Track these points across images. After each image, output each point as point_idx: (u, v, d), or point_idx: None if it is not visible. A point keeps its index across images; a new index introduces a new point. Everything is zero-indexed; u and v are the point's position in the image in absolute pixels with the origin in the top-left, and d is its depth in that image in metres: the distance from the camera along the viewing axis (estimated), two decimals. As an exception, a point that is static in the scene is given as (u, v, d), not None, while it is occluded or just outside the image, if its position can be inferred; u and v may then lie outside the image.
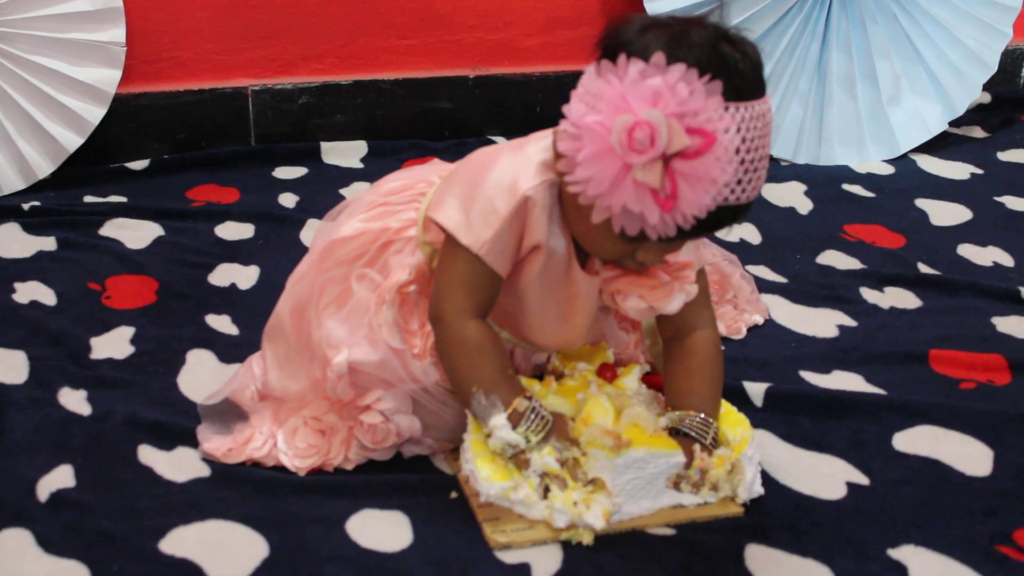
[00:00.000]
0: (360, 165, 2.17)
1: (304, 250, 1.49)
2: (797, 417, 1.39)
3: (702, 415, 1.24)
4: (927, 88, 2.28)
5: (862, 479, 1.29)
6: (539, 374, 1.34)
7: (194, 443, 1.29)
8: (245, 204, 1.97)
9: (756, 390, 1.41)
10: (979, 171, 2.24)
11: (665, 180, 1.02)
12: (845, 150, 2.26)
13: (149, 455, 1.28)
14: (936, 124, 2.29)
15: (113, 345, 1.50)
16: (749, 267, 1.74)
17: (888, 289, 1.74)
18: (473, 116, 2.29)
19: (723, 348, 1.34)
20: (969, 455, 1.33)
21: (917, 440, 1.36)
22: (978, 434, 1.36)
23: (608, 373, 1.31)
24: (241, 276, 1.71)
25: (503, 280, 1.21)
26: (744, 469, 1.21)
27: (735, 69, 1.05)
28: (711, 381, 1.28)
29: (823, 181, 2.16)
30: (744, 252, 1.80)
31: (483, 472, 1.17)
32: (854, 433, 1.36)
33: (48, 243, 1.78)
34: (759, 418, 1.36)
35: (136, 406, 1.35)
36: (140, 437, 1.30)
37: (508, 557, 1.14)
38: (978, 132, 2.45)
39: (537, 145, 1.19)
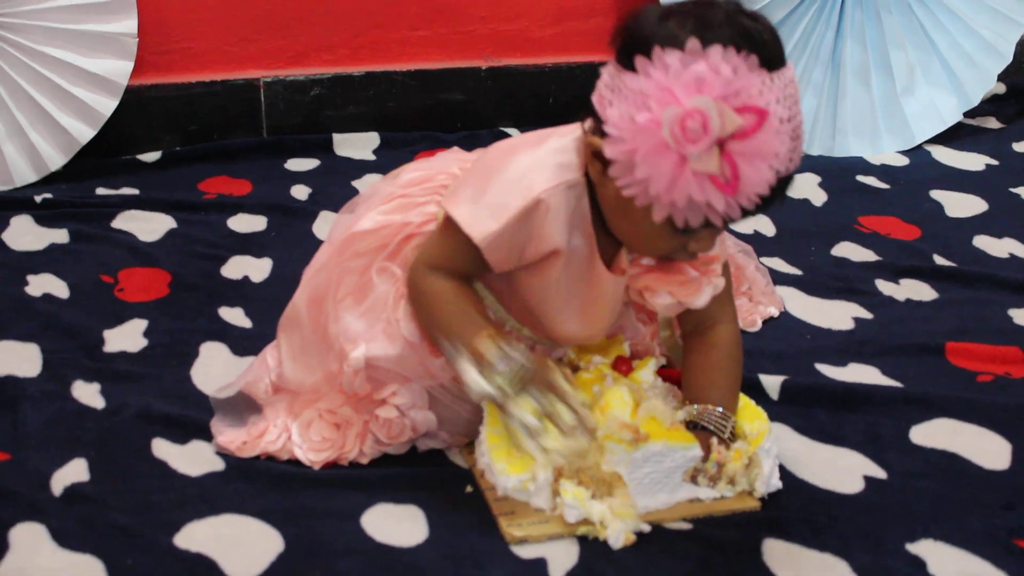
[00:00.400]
0: (372, 157, 2.17)
1: (317, 242, 1.49)
2: (813, 410, 1.38)
3: (720, 409, 1.23)
4: (942, 79, 2.26)
5: (879, 473, 1.28)
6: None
7: (208, 436, 1.29)
8: (257, 196, 1.97)
9: (772, 383, 1.41)
10: (994, 162, 2.23)
11: (724, 164, 1.00)
12: (859, 141, 2.24)
13: (163, 448, 1.27)
14: (951, 115, 2.28)
15: (126, 338, 1.50)
16: (764, 259, 1.73)
17: (904, 281, 1.73)
18: (486, 108, 2.28)
19: (741, 342, 1.34)
20: (987, 448, 1.33)
21: (934, 433, 1.35)
22: (996, 427, 1.36)
23: (623, 366, 1.30)
24: (254, 268, 1.71)
25: (491, 273, 1.20)
26: (761, 463, 1.20)
27: (761, 41, 1.04)
28: (731, 376, 1.27)
29: (837, 173, 2.15)
30: (759, 244, 1.79)
31: (499, 465, 1.17)
32: (870, 426, 1.36)
33: (61, 235, 1.78)
34: (775, 411, 1.35)
35: (150, 399, 1.35)
36: (154, 430, 1.30)
37: (524, 552, 1.14)
38: (993, 123, 2.43)
39: (558, 143, 1.17)
